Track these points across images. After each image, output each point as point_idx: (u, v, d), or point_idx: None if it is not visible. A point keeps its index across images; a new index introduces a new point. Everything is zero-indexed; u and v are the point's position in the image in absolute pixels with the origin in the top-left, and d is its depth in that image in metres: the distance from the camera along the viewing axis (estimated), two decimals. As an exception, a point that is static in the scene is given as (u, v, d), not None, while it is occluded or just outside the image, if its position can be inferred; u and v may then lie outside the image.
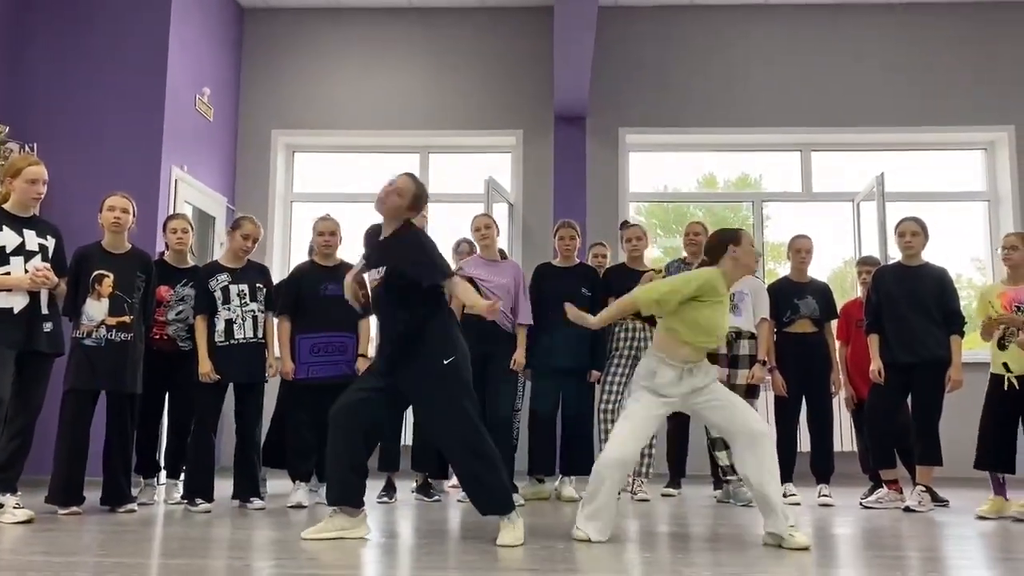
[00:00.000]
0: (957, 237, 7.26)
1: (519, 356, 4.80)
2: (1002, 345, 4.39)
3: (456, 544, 3.27)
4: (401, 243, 3.39)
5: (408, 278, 3.32)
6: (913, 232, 4.69)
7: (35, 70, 6.07)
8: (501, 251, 5.09)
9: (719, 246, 3.48)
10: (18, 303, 3.86)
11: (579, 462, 4.95)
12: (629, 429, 3.36)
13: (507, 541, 3.21)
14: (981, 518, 4.23)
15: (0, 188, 4.04)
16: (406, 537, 3.46)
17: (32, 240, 3.97)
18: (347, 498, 3.33)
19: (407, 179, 3.43)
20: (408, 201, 3.41)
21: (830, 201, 7.44)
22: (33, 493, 4.22)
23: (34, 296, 3.91)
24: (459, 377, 3.31)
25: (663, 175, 7.63)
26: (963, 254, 7.42)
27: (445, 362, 3.29)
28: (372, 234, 3.55)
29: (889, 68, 7.26)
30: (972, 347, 6.00)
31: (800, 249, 5.16)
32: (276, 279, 4.96)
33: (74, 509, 3.99)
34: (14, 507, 3.72)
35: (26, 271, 3.89)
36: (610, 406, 4.97)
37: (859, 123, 7.22)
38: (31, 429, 3.92)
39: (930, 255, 4.78)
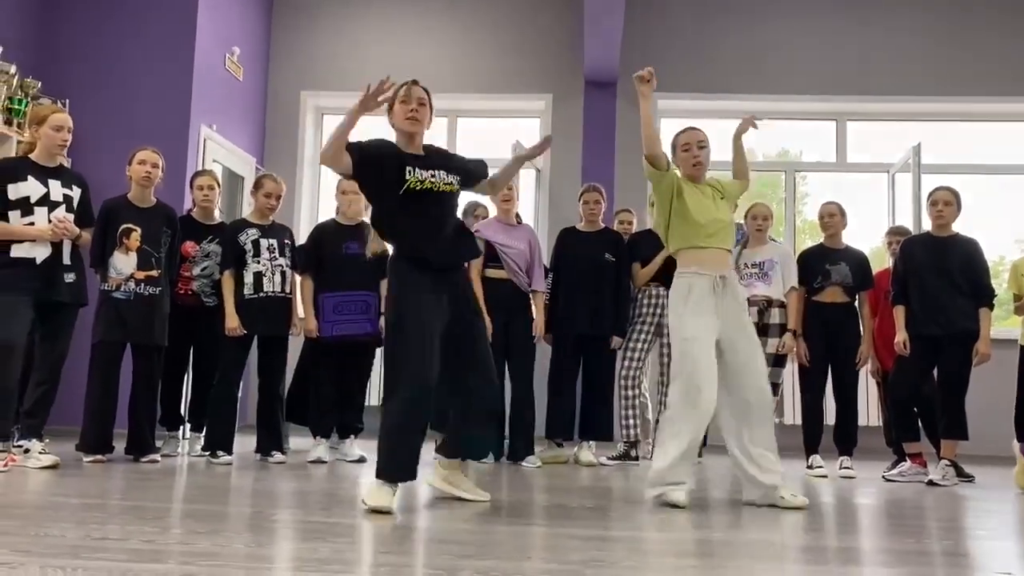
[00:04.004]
0: (998, 215, 7.08)
1: (539, 322, 4.83)
2: None
3: (470, 500, 3.28)
4: (441, 153, 3.33)
5: (471, 179, 3.33)
6: (946, 201, 4.58)
7: (67, 27, 6.12)
8: (516, 215, 5.07)
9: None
10: (40, 253, 3.91)
11: (598, 427, 4.95)
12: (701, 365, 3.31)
13: (480, 496, 3.26)
14: None
15: (26, 137, 4.10)
16: (423, 490, 3.48)
17: (57, 190, 4.00)
18: (410, 475, 3.02)
19: (419, 88, 3.23)
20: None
21: (865, 172, 7.29)
22: (62, 442, 4.32)
23: (56, 247, 3.96)
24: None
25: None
26: (1005, 234, 7.22)
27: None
28: (391, 150, 3.21)
29: (928, 35, 7.07)
30: (1012, 324, 5.88)
31: (823, 215, 5.06)
32: (302, 242, 4.99)
33: (98, 457, 4.08)
34: (40, 452, 3.81)
35: (50, 221, 3.94)
36: (631, 372, 4.96)
37: (896, 92, 7.04)
38: (56, 377, 4.00)
39: (968, 233, 4.65)
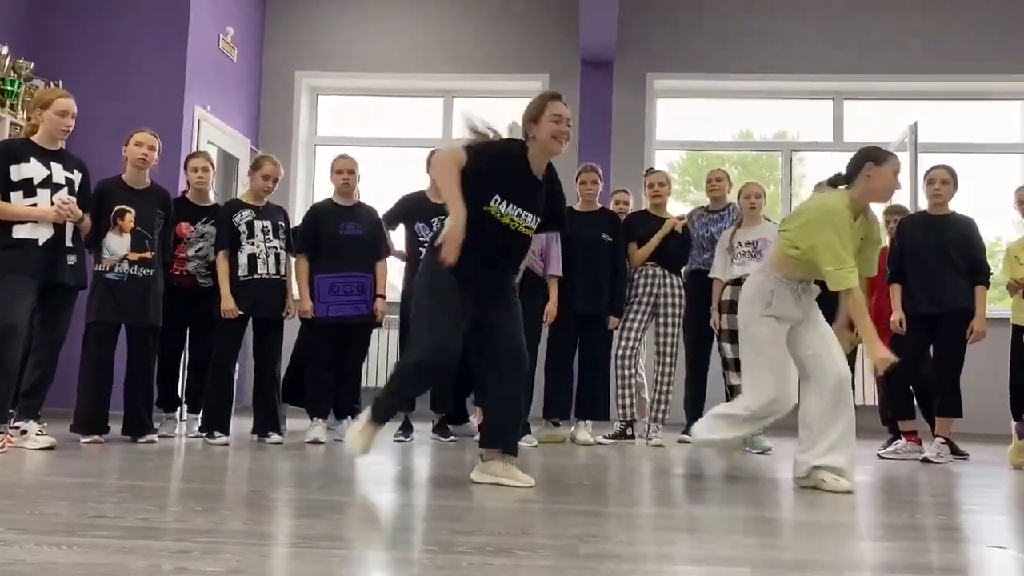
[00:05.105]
0: (994, 194, 7.05)
1: (551, 308, 4.81)
2: None
3: (467, 478, 3.29)
4: (555, 184, 3.34)
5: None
6: (943, 180, 4.58)
7: (60, 7, 6.08)
8: None
9: (857, 162, 3.41)
10: (43, 235, 3.89)
11: (594, 407, 4.96)
12: (777, 367, 3.34)
13: (521, 481, 3.12)
14: None
15: (29, 120, 4.08)
16: (420, 470, 3.49)
17: (59, 173, 3.99)
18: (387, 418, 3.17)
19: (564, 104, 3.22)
20: None
21: (861, 152, 7.27)
22: (59, 424, 4.32)
23: (59, 228, 3.94)
24: None
25: (698, 128, 7.46)
26: (1001, 213, 7.20)
27: None
28: (517, 164, 3.20)
29: (925, 14, 7.04)
30: (1005, 303, 5.89)
31: (819, 193, 5.06)
32: (298, 223, 4.98)
33: (95, 438, 4.09)
34: (37, 434, 3.81)
35: (52, 203, 3.92)
36: (627, 352, 4.97)
37: (894, 71, 7.03)
38: (55, 359, 3.99)
39: (964, 212, 4.64)
